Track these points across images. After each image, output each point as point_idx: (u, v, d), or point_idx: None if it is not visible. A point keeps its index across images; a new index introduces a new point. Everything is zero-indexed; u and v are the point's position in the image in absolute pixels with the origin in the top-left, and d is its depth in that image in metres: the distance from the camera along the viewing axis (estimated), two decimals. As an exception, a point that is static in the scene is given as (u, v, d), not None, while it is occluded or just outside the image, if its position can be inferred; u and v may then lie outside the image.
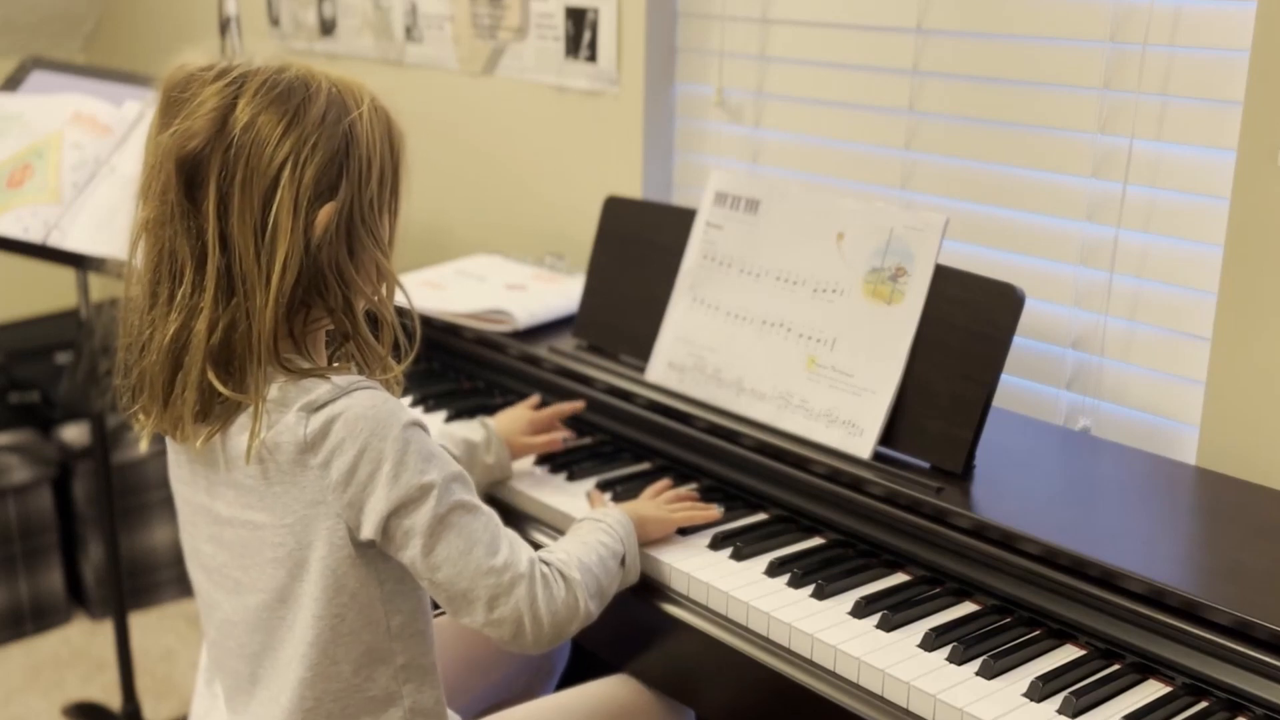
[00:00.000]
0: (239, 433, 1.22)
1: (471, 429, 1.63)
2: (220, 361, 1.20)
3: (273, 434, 1.20)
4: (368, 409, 1.21)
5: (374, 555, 1.25)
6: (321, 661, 1.26)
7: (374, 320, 1.29)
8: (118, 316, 1.29)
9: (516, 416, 1.68)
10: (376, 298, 1.28)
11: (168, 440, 1.33)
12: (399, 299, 1.31)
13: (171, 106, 1.21)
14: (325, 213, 1.21)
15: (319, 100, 1.21)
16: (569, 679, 1.70)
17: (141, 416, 1.27)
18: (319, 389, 1.21)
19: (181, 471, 1.32)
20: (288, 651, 1.27)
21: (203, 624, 1.38)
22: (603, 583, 1.36)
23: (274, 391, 1.21)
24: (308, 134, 1.19)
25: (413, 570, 1.25)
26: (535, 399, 1.77)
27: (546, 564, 1.30)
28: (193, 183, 1.19)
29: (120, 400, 1.30)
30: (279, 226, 1.18)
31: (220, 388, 1.20)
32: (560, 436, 1.68)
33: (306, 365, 1.23)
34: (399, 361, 1.31)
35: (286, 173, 1.18)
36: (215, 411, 1.22)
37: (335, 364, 1.29)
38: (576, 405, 1.73)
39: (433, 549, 1.23)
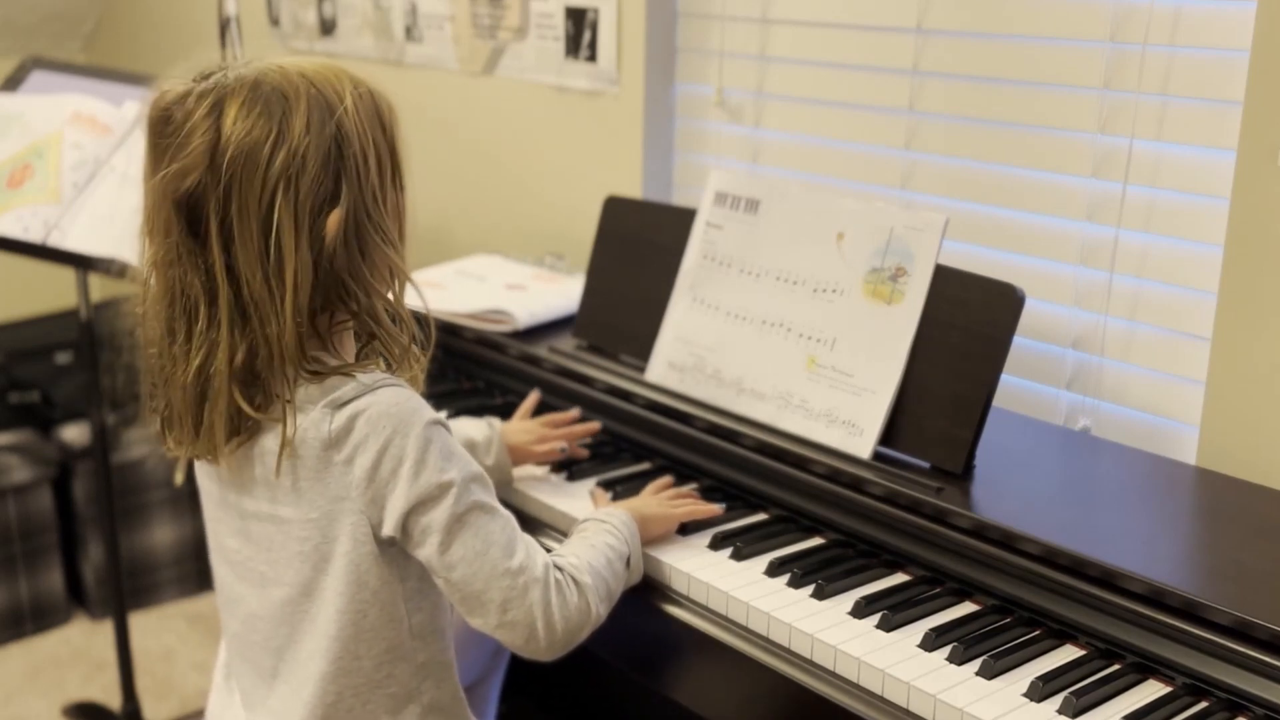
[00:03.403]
0: (268, 431, 1.23)
1: (477, 427, 1.63)
2: (246, 384, 1.22)
3: (299, 430, 1.22)
4: (391, 406, 1.22)
5: (396, 553, 1.27)
6: (344, 656, 1.27)
7: (392, 317, 1.30)
8: (139, 315, 1.30)
9: (529, 429, 1.66)
10: (391, 296, 1.29)
11: None
12: (413, 300, 1.32)
13: (158, 148, 1.21)
14: (333, 220, 1.21)
15: (300, 108, 1.20)
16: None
17: (173, 445, 1.29)
18: (344, 386, 1.22)
19: (208, 468, 1.32)
20: (310, 645, 1.29)
21: (224, 619, 1.39)
22: (611, 586, 1.36)
23: (299, 390, 1.22)
24: (295, 147, 1.18)
25: (429, 568, 1.26)
26: (573, 413, 1.73)
27: (560, 569, 1.30)
28: (193, 219, 1.20)
29: (154, 430, 1.30)
30: (283, 247, 1.19)
31: (248, 410, 1.21)
32: (559, 446, 1.66)
33: (334, 363, 1.25)
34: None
35: (281, 193, 1.18)
36: (245, 426, 1.24)
37: (363, 361, 1.30)
38: (592, 427, 1.71)
39: (449, 547, 1.23)
